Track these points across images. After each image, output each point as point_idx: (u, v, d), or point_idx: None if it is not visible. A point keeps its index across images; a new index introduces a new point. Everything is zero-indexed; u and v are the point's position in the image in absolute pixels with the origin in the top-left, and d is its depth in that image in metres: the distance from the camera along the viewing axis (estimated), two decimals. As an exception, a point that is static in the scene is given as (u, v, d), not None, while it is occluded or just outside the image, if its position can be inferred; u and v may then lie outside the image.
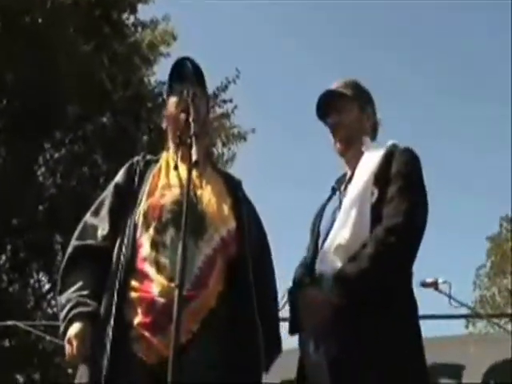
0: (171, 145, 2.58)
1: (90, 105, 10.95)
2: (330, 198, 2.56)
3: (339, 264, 2.20)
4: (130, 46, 12.25)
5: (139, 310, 2.21)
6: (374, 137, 2.57)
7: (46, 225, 11.07)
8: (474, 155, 34.14)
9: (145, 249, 2.29)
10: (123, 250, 2.31)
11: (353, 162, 2.47)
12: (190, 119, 2.25)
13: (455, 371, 5.41)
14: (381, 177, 2.30)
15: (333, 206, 2.46)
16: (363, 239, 2.20)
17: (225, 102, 13.86)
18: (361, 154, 2.44)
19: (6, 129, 10.56)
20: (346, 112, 2.52)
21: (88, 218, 2.51)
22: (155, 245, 2.28)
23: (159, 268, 2.23)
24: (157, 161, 2.56)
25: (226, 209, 2.42)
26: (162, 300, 2.16)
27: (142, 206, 2.35)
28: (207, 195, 2.43)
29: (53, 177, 11.81)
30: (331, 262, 2.24)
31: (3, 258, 11.65)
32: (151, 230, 2.31)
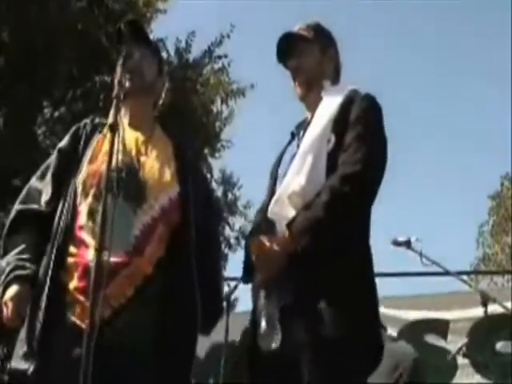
0: None
1: (88, 63, 10.85)
2: (289, 143, 2.50)
3: (293, 211, 2.15)
4: (125, 3, 12.06)
5: (75, 275, 2.24)
6: (336, 80, 2.50)
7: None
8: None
9: (82, 216, 2.32)
10: (63, 216, 2.33)
11: (313, 107, 2.40)
12: (115, 81, 2.19)
13: (441, 327, 5.49)
14: (339, 123, 2.24)
15: (291, 152, 2.41)
16: (318, 187, 2.15)
17: (220, 57, 13.74)
18: (321, 98, 2.38)
19: (4, 88, 10.46)
20: (306, 55, 2.45)
21: (33, 181, 2.54)
22: (92, 213, 2.29)
23: (94, 235, 2.18)
24: (105, 124, 2.49)
25: (168, 175, 2.42)
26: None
27: (82, 173, 2.37)
28: (150, 162, 2.42)
29: (53, 136, 11.76)
30: (285, 208, 2.19)
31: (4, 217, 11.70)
32: (89, 198, 2.32)
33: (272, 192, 2.37)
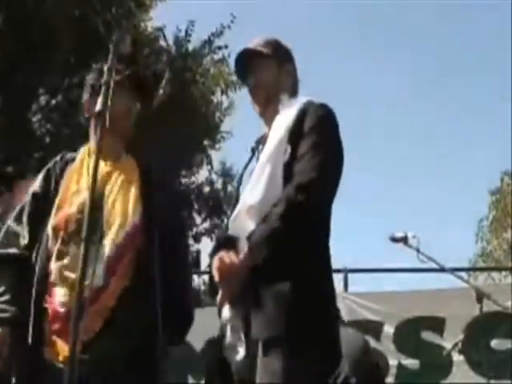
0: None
1: (85, 50, 10.79)
2: (250, 160, 2.53)
3: (252, 225, 2.18)
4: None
5: (49, 318, 2.38)
6: (294, 94, 2.51)
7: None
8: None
9: (53, 260, 2.43)
10: (38, 261, 2.46)
11: (270, 121, 2.42)
12: (105, 67, 2.13)
13: (437, 324, 5.47)
14: (294, 133, 2.26)
15: (251, 167, 2.45)
16: (275, 198, 2.18)
17: (220, 48, 13.70)
18: (278, 112, 2.40)
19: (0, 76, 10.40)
20: (263, 71, 2.48)
21: (11, 223, 2.61)
22: (60, 256, 2.41)
23: (62, 278, 2.38)
24: (74, 159, 2.63)
25: (132, 203, 2.51)
26: (63, 309, 2.34)
27: (52, 218, 2.47)
28: (114, 192, 2.51)
29: (49, 124, 11.71)
30: (244, 223, 2.22)
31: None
32: (59, 241, 2.43)
33: (234, 209, 2.42)
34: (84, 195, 2.40)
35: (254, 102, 2.50)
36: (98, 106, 2.02)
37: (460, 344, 5.07)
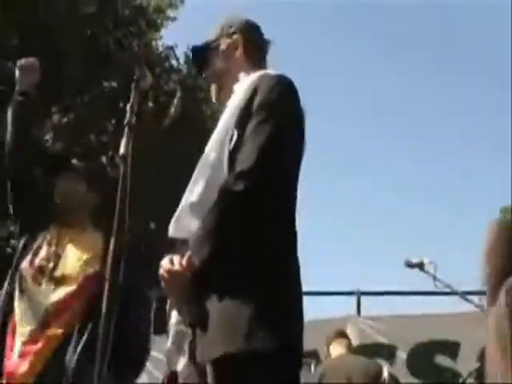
0: None
1: (97, 69, 10.85)
2: None
3: (194, 223, 1.98)
4: (135, 9, 12.06)
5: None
6: (254, 62, 2.27)
7: (52, 191, 11.06)
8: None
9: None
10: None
11: (226, 102, 2.19)
12: (127, 107, 2.11)
13: (451, 349, 5.41)
14: (243, 115, 2.00)
15: None
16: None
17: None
18: (232, 92, 2.19)
19: (12, 93, 10.45)
20: (210, 60, 2.29)
21: None
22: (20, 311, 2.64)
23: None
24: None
25: (88, 259, 2.73)
26: None
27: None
28: (73, 250, 2.78)
29: (60, 142, 11.74)
30: (187, 222, 2.01)
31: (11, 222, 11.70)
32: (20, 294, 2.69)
33: None
34: (44, 251, 2.77)
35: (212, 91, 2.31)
36: (122, 150, 1.95)
37: (475, 372, 4.97)
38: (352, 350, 4.87)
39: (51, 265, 2.72)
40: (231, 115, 2.02)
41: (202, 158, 2.04)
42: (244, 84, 2.11)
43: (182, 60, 13.17)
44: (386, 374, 4.49)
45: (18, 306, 2.66)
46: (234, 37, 2.29)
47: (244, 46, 2.28)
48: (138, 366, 2.79)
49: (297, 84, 2.10)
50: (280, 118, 1.99)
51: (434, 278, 4.18)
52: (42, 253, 2.76)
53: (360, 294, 6.00)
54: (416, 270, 4.34)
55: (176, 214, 2.07)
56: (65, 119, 11.42)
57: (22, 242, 2.92)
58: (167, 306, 2.09)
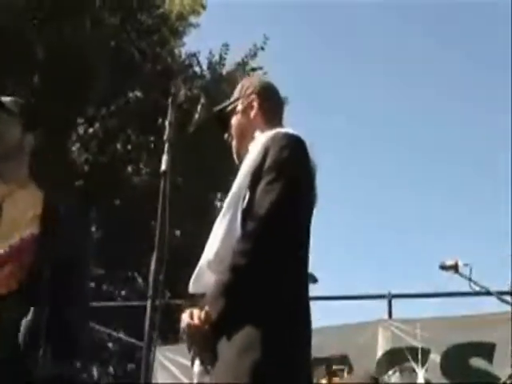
0: None
1: (121, 79, 10.96)
2: None
3: (212, 279, 2.10)
4: (157, 18, 12.15)
5: None
6: (272, 119, 2.39)
7: (81, 202, 11.16)
8: None
9: None
10: None
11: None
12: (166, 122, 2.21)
13: (486, 350, 5.33)
14: (255, 176, 2.11)
15: None
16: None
17: (254, 69, 13.73)
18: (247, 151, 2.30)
19: (39, 106, 10.59)
20: (229, 122, 2.43)
21: None
22: None
23: None
24: None
25: (25, 218, 2.45)
26: None
27: None
28: (10, 207, 2.46)
29: (87, 153, 11.89)
30: (206, 278, 2.15)
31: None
32: None
33: None
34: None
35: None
36: (163, 166, 2.01)
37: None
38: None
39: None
40: (245, 176, 2.14)
41: (219, 217, 2.15)
42: (257, 144, 2.21)
43: (205, 66, 13.25)
44: (421, 380, 4.45)
45: None
46: (251, 97, 2.41)
47: (260, 105, 2.41)
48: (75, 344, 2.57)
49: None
50: (289, 176, 2.10)
51: (470, 280, 4.14)
52: None
53: (391, 296, 5.95)
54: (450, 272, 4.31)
55: (196, 270, 2.20)
56: (90, 129, 11.56)
57: None
58: (191, 355, 2.18)
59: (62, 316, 2.42)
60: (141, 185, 12.56)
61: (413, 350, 5.38)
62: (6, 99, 2.63)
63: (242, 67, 13.59)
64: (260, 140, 2.23)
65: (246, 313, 2.00)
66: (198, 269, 2.20)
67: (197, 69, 12.93)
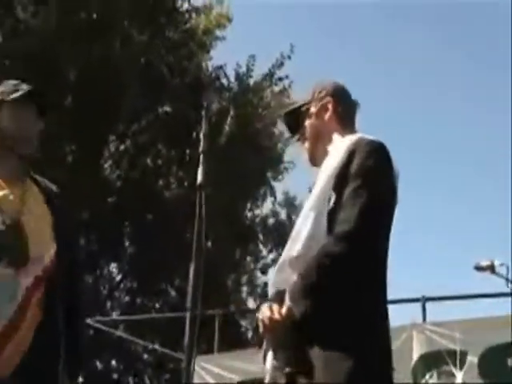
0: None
1: (151, 95, 11.10)
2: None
3: (294, 277, 2.13)
4: (185, 33, 12.31)
5: None
6: (346, 126, 2.41)
7: (115, 217, 11.31)
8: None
9: None
10: None
11: (321, 163, 2.34)
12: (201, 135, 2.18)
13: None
14: (340, 178, 2.16)
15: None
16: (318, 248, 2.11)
17: (281, 79, 13.81)
18: (327, 153, 2.32)
19: (73, 125, 10.78)
20: (302, 123, 2.43)
21: None
22: None
23: None
24: None
25: (47, 234, 2.40)
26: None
27: None
28: (31, 220, 2.38)
29: (119, 169, 12.04)
30: (287, 274, 2.18)
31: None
32: None
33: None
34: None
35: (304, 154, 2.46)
36: (199, 178, 2.00)
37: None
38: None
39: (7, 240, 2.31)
40: (329, 177, 2.18)
41: (302, 215, 2.20)
42: (339, 147, 2.24)
43: (232, 78, 13.38)
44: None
45: None
46: (326, 100, 2.41)
47: (334, 108, 2.41)
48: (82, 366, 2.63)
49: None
50: (377, 184, 2.15)
51: (507, 280, 4.09)
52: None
53: (425, 299, 5.92)
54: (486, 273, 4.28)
55: (277, 266, 2.25)
56: (122, 146, 11.71)
57: None
58: (263, 349, 2.23)
59: (73, 329, 2.47)
60: (171, 198, 12.71)
61: (450, 353, 5.36)
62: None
63: (269, 77, 13.69)
64: (342, 144, 2.26)
65: (332, 316, 2.05)
66: (278, 266, 2.24)
67: (224, 81, 13.08)
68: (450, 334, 5.47)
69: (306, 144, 2.42)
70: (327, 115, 2.40)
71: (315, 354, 2.03)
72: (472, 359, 5.36)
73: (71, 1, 10.51)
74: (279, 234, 15.66)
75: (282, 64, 13.45)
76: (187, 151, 12.38)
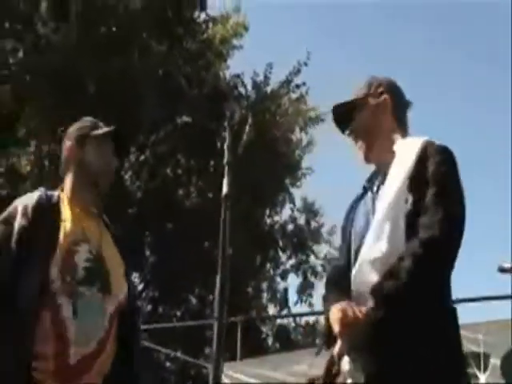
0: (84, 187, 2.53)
1: (169, 105, 11.19)
2: (361, 198, 2.41)
3: (375, 277, 2.14)
4: (202, 43, 12.41)
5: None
6: (401, 127, 2.39)
7: (136, 227, 11.39)
8: None
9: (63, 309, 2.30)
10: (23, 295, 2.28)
11: (381, 162, 2.34)
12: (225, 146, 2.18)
13: None
14: (415, 181, 2.17)
15: (365, 207, 2.35)
16: (398, 250, 2.12)
17: (298, 86, 13.86)
18: (387, 152, 2.30)
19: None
20: (357, 117, 2.38)
21: None
22: (72, 297, 2.31)
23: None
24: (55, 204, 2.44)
25: (122, 268, 2.51)
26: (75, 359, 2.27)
27: (57, 262, 2.31)
28: (108, 252, 2.47)
29: (138, 180, 12.13)
30: (367, 275, 2.17)
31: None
32: (66, 288, 2.31)
33: (348, 252, 2.35)
34: (85, 247, 2.37)
35: (358, 150, 2.40)
36: (225, 189, 2.01)
37: None
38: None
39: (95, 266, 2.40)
40: (402, 180, 2.18)
41: (380, 216, 2.19)
42: (408, 150, 2.24)
43: (249, 86, 13.46)
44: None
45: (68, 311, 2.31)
46: (384, 96, 2.38)
47: (393, 106, 2.37)
48: None
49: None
50: (456, 191, 2.18)
51: None
52: (84, 249, 2.38)
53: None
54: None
55: (357, 265, 2.23)
56: (142, 157, 11.79)
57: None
58: (336, 350, 2.21)
59: (131, 357, 2.52)
60: (191, 208, 12.80)
61: (474, 356, 5.35)
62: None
63: (287, 84, 13.74)
64: (410, 146, 2.26)
65: (410, 323, 2.06)
66: (359, 262, 2.22)
67: (241, 89, 13.15)
68: (473, 337, 5.46)
69: (360, 140, 2.38)
70: (384, 112, 2.37)
71: (389, 360, 2.05)
72: (495, 362, 5.35)
73: (91, 16, 10.67)
74: (298, 240, 15.65)
75: (298, 71, 13.53)
76: (210, 161, 12.47)
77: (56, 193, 2.48)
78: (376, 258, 2.16)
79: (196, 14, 12.77)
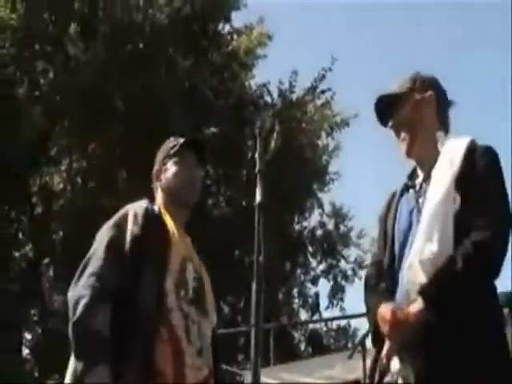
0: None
1: (197, 117, 11.31)
2: (402, 194, 2.40)
3: (423, 277, 2.13)
4: (227, 55, 12.54)
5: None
6: (443, 125, 2.38)
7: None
8: None
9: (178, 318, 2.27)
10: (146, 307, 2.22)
11: (423, 158, 2.34)
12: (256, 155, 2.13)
13: None
14: (462, 180, 2.16)
15: (408, 205, 2.33)
16: (448, 251, 2.12)
17: (323, 92, 13.87)
18: (430, 149, 2.30)
19: (123, 152, 11.05)
20: (400, 110, 2.36)
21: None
22: (185, 317, 2.27)
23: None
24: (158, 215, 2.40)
25: (212, 299, 2.47)
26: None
27: (172, 276, 2.28)
28: (204, 279, 2.44)
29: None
30: (416, 275, 2.17)
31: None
32: (179, 304, 2.27)
33: (391, 251, 2.33)
34: (191, 266, 2.35)
35: (399, 143, 2.38)
36: (258, 198, 2.03)
37: None
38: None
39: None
40: (450, 180, 2.18)
41: (429, 216, 2.18)
42: (455, 149, 2.24)
43: (275, 95, 13.50)
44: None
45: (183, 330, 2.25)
46: (429, 92, 2.36)
47: (437, 103, 2.37)
48: None
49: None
50: (503, 193, 2.19)
51: None
52: (191, 268, 2.35)
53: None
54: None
55: (407, 264, 2.21)
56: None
57: None
58: (385, 350, 2.23)
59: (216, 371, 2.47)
60: (221, 217, 12.93)
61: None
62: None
63: (312, 91, 13.79)
64: (455, 146, 2.26)
65: (461, 324, 2.07)
66: (409, 262, 2.20)
67: (267, 98, 13.26)
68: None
69: (404, 133, 2.36)
70: (428, 107, 2.35)
71: (439, 360, 2.06)
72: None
73: (118, 34, 10.84)
74: (328, 245, 15.63)
75: (323, 77, 13.51)
76: (238, 170, 12.58)
77: (156, 206, 2.45)
78: (426, 258, 2.15)
79: (220, 26, 12.87)
